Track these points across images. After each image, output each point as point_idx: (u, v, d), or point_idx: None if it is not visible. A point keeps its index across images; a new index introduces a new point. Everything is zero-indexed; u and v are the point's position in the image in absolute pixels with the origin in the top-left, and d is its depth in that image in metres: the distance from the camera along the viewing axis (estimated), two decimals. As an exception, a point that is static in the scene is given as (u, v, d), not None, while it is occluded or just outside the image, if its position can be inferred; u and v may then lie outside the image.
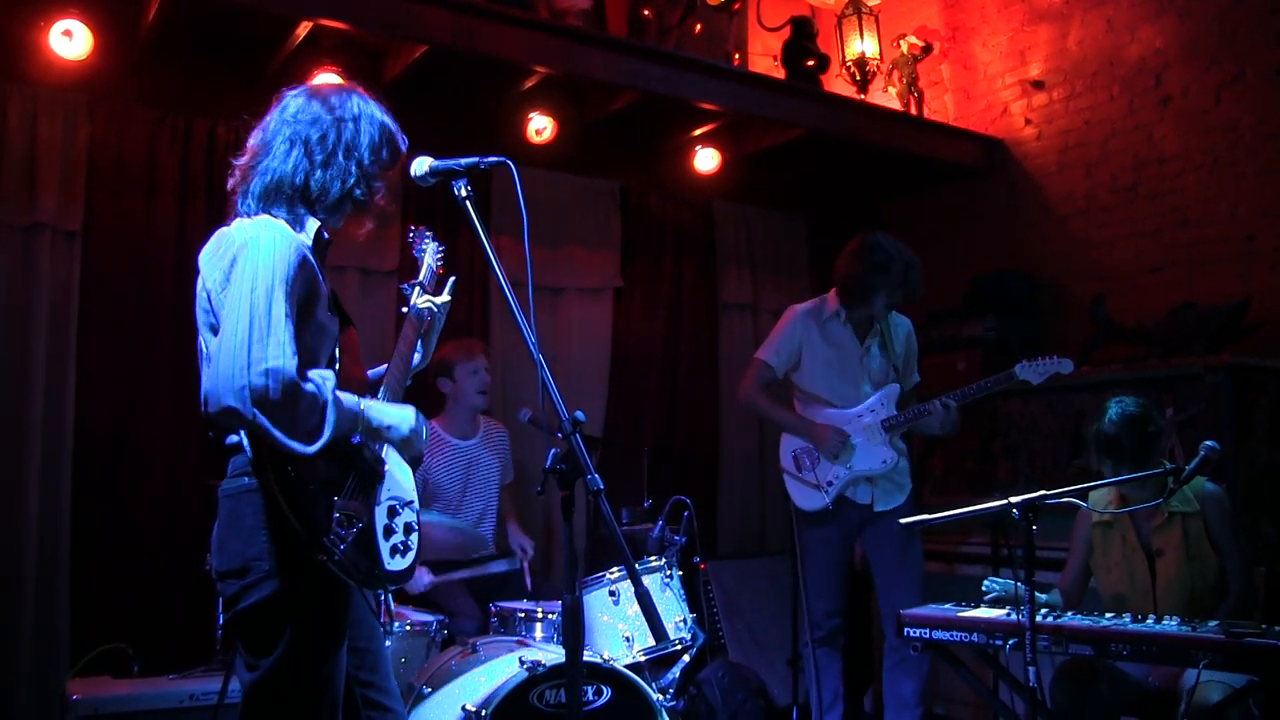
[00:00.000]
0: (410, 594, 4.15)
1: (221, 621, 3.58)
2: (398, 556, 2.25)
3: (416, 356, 2.68)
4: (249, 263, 2.11)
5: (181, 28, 4.27)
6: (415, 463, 2.48)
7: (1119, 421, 3.42)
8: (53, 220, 4.19)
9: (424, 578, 4.16)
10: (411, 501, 2.35)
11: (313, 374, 2.11)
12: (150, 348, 4.36)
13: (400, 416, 2.31)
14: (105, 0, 4.18)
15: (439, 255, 2.83)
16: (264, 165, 2.29)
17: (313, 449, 2.04)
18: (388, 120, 2.43)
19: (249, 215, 2.26)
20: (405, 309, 2.69)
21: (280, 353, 2.03)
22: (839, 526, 4.28)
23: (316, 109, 2.33)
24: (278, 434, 2.00)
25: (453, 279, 2.79)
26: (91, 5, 4.13)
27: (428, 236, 2.85)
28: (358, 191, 2.34)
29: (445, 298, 2.74)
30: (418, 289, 2.71)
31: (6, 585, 4.04)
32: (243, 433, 2.13)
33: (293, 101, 2.36)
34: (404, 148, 2.45)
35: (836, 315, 4.32)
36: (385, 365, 2.62)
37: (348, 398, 2.17)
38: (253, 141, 2.35)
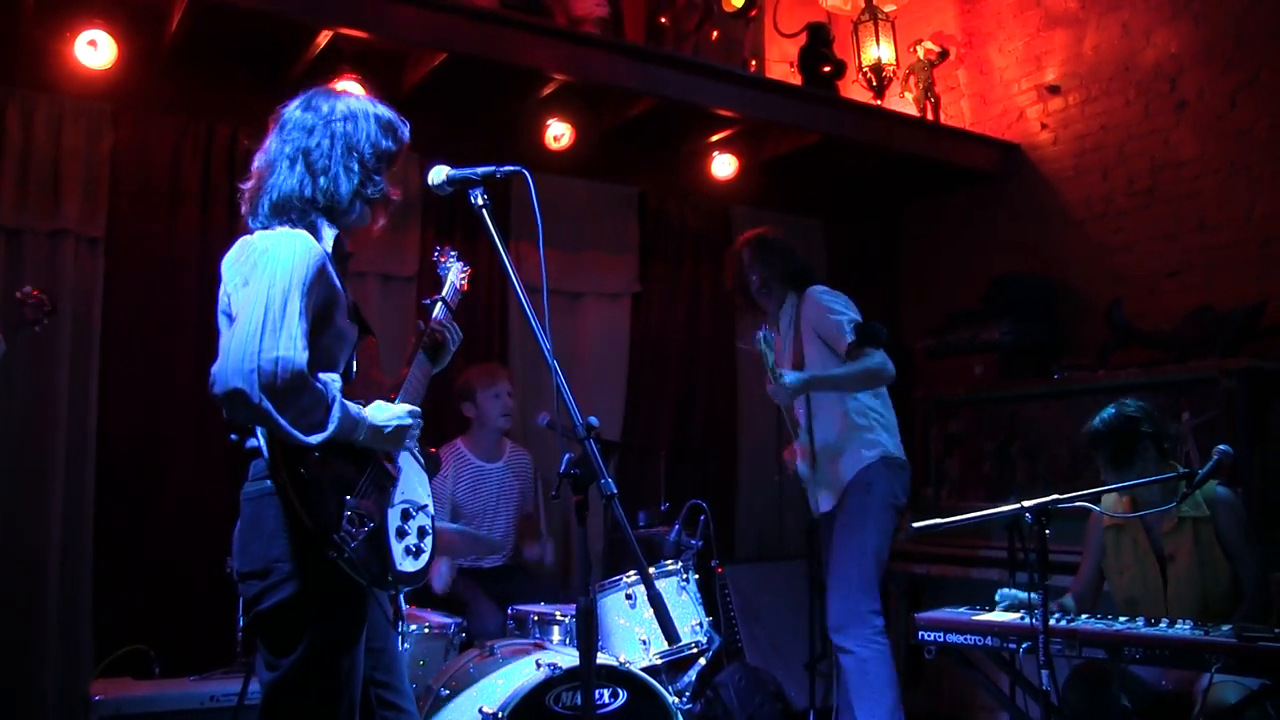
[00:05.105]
0: (434, 591, 4.18)
1: (242, 624, 3.62)
2: (410, 558, 2.28)
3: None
4: (268, 265, 2.15)
5: (204, 37, 4.33)
6: (433, 470, 2.52)
7: (1109, 419, 3.47)
8: (76, 227, 4.24)
9: (442, 567, 4.20)
10: (426, 506, 2.38)
11: (322, 375, 2.15)
12: (172, 353, 4.41)
13: (391, 413, 2.32)
14: (130, 11, 4.24)
15: (463, 275, 2.85)
16: (270, 184, 2.32)
17: (314, 440, 2.08)
18: (384, 111, 2.43)
19: (267, 229, 2.30)
20: (424, 320, 2.70)
21: (291, 345, 2.07)
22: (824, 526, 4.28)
23: (310, 119, 2.36)
24: (282, 421, 2.03)
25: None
26: (116, 16, 4.19)
27: (453, 256, 2.87)
28: (368, 190, 2.36)
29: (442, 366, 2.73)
30: (440, 304, 2.73)
31: (31, 588, 4.10)
32: (261, 435, 2.17)
33: (288, 117, 2.38)
34: (406, 136, 2.46)
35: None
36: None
37: (353, 406, 2.21)
38: (257, 164, 2.37)
